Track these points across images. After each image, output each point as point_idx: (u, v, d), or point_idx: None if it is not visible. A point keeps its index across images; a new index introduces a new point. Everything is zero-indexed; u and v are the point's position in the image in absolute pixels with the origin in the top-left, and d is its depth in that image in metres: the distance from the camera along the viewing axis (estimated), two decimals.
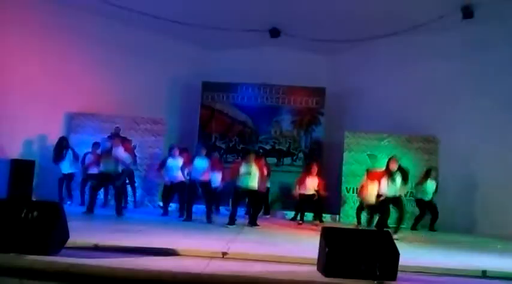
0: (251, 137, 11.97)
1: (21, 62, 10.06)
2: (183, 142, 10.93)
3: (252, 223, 8.36)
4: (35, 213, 4.18)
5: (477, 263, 5.10)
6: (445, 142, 10.58)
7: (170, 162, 9.14)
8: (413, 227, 9.77)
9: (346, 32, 11.23)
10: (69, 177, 10.09)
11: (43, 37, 10.47)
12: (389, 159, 7.99)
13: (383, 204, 7.97)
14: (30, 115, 9.94)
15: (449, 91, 10.63)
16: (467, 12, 10.08)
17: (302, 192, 9.44)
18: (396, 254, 4.00)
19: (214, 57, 12.37)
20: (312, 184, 9.43)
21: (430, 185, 9.76)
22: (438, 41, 10.75)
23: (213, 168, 8.83)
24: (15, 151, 10.05)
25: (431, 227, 9.79)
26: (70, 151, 10.01)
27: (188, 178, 8.69)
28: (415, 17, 10.34)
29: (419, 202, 9.88)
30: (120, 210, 8.47)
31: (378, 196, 8.02)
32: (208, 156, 8.95)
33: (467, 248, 6.82)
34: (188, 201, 8.70)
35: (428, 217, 9.94)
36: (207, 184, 8.60)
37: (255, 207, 8.70)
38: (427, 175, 9.79)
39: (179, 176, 8.98)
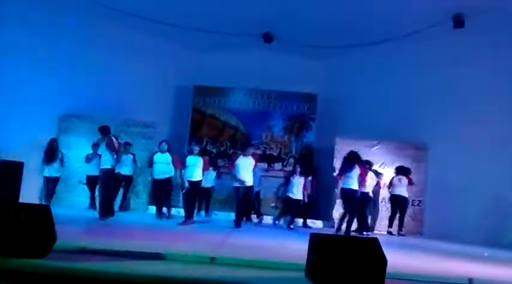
0: (242, 142, 11.97)
1: (12, 63, 10.00)
2: (173, 145, 10.91)
3: (238, 223, 8.52)
4: (22, 216, 4.15)
5: (463, 271, 5.13)
6: (434, 150, 10.69)
7: (157, 156, 9.22)
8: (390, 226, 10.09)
9: (338, 38, 11.31)
10: (54, 180, 9.98)
11: (35, 37, 10.41)
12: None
13: None
14: (21, 117, 9.86)
15: (440, 99, 10.73)
16: (458, 22, 10.19)
17: (288, 194, 9.55)
18: (384, 261, 4.02)
19: (206, 60, 12.38)
20: (298, 185, 9.55)
21: (397, 179, 10.09)
22: (429, 49, 10.86)
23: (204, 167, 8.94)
24: (3, 152, 9.96)
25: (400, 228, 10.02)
26: (60, 154, 9.97)
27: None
28: (406, 25, 10.44)
29: (393, 199, 10.14)
30: (101, 212, 8.19)
31: None
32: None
33: (454, 256, 6.86)
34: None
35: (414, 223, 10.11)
36: (198, 183, 8.71)
37: (248, 206, 8.92)
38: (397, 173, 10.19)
39: (166, 172, 9.15)
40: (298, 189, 9.50)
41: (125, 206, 10.38)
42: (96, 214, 8.36)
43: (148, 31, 11.48)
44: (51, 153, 9.88)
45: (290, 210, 9.57)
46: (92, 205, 9.96)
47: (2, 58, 9.85)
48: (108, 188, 8.40)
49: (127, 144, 10.27)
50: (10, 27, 9.98)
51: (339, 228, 8.69)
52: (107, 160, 8.22)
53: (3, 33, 9.90)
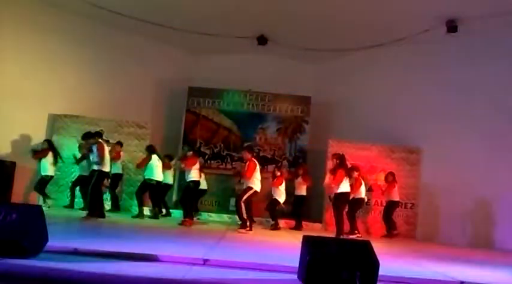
0: (236, 143, 11.98)
1: (5, 62, 9.94)
2: (167, 146, 10.91)
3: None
4: (14, 216, 4.12)
5: (455, 274, 5.16)
6: (428, 153, 10.74)
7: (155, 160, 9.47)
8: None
9: (333, 41, 11.36)
10: (47, 179, 9.82)
11: (28, 37, 10.38)
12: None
13: None
14: (13, 116, 9.82)
15: (433, 102, 10.80)
16: (452, 26, 10.26)
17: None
18: (376, 263, 4.03)
19: (201, 62, 12.40)
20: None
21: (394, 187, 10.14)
22: (423, 53, 10.95)
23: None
24: None
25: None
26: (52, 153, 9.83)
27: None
28: (400, 29, 10.51)
29: (392, 205, 10.11)
30: (89, 212, 8.20)
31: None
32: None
33: (446, 259, 6.89)
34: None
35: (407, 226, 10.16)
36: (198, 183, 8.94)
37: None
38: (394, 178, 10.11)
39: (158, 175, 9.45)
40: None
41: (116, 206, 10.34)
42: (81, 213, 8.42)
43: (143, 33, 11.47)
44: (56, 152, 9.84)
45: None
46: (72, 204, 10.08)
47: None
48: (99, 189, 8.40)
49: (119, 143, 10.28)
50: (3, 26, 9.93)
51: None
52: (96, 163, 8.27)
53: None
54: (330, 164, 9.13)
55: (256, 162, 8.55)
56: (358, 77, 11.93)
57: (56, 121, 10.95)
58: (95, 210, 8.20)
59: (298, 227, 10.10)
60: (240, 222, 8.50)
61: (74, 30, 10.90)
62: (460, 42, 10.37)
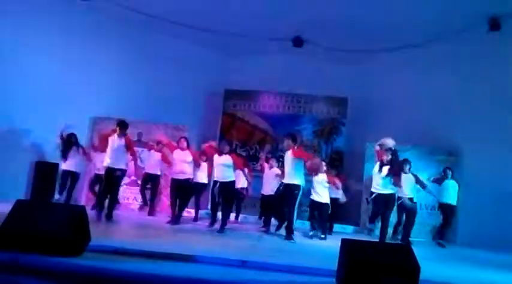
0: (272, 145, 11.97)
1: (47, 65, 10.28)
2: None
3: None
4: (58, 215, 4.25)
5: (501, 282, 4.99)
6: (469, 156, 10.42)
7: (177, 154, 8.54)
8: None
9: (369, 42, 11.18)
10: (74, 175, 9.61)
11: (69, 40, 10.68)
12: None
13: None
14: (55, 119, 10.10)
15: (474, 103, 10.45)
16: (494, 24, 9.93)
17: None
18: (417, 268, 3.94)
19: (237, 64, 12.44)
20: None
21: (452, 184, 9.56)
22: (463, 52, 10.60)
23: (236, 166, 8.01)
24: (39, 154, 10.27)
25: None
26: (79, 149, 9.66)
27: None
28: (439, 27, 10.24)
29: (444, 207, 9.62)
30: (110, 214, 7.85)
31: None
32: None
33: (492, 265, 6.67)
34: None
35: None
36: (229, 184, 7.85)
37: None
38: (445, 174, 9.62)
39: (187, 173, 8.49)
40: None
41: (151, 207, 10.40)
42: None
43: (180, 36, 11.61)
44: (69, 147, 9.59)
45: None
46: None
47: (38, 60, 10.12)
48: (118, 190, 8.03)
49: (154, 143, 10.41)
50: (46, 29, 10.27)
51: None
52: (122, 160, 7.98)
53: (39, 36, 10.18)
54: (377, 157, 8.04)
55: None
56: (395, 78, 11.68)
57: (96, 124, 11.24)
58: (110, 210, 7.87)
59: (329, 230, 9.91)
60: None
61: (114, 34, 11.15)
62: (503, 41, 10.02)
